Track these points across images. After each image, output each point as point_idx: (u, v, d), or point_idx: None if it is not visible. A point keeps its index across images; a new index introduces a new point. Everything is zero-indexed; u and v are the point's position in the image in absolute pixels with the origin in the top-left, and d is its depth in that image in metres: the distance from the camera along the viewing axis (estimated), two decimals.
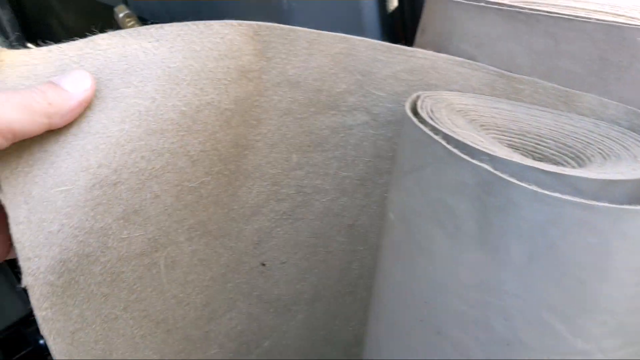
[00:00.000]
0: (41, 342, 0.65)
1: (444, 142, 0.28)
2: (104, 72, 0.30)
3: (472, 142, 0.28)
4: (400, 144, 0.33)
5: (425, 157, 0.30)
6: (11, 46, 0.78)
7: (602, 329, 0.26)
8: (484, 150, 0.27)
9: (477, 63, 0.37)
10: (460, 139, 0.28)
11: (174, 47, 0.31)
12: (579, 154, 0.32)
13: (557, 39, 0.34)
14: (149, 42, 0.30)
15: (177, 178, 0.33)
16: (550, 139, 0.33)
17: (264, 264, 0.44)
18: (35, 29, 1.23)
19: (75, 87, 0.29)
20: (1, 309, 1.07)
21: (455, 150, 0.27)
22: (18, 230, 0.28)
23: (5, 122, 0.26)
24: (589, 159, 0.31)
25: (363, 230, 0.45)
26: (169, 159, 0.32)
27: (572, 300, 0.26)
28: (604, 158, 0.30)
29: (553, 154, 0.33)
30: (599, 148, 0.32)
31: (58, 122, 0.29)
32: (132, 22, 0.73)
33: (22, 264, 0.28)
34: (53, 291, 0.30)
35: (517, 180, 0.25)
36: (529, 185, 0.25)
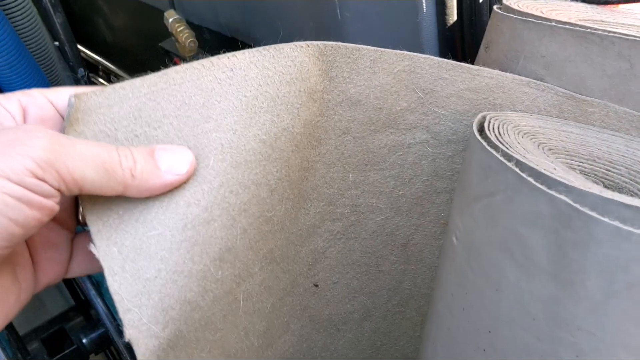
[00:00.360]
0: (84, 340, 0.66)
1: (517, 170, 0.27)
2: (182, 108, 0.29)
3: (546, 170, 0.27)
4: (467, 167, 0.33)
5: (496, 184, 0.29)
6: (77, 81, 0.80)
7: None
8: (560, 180, 0.26)
9: (545, 84, 0.36)
10: (533, 166, 0.27)
11: (248, 75, 0.30)
12: None
13: (632, 62, 0.33)
14: (223, 72, 0.30)
15: (259, 209, 0.32)
16: (622, 166, 0.32)
17: (316, 285, 0.43)
18: (83, 30, 1.25)
19: (169, 168, 0.28)
20: (42, 304, 1.09)
21: (530, 179, 0.27)
22: (114, 281, 0.27)
23: (76, 176, 0.25)
24: None
25: (417, 249, 0.44)
26: (254, 190, 0.31)
27: None
28: None
29: (625, 182, 0.32)
30: None
31: (134, 194, 0.27)
32: (181, 27, 0.74)
33: (123, 316, 0.27)
34: (159, 345, 0.28)
35: (598, 214, 0.24)
36: (612, 220, 0.24)
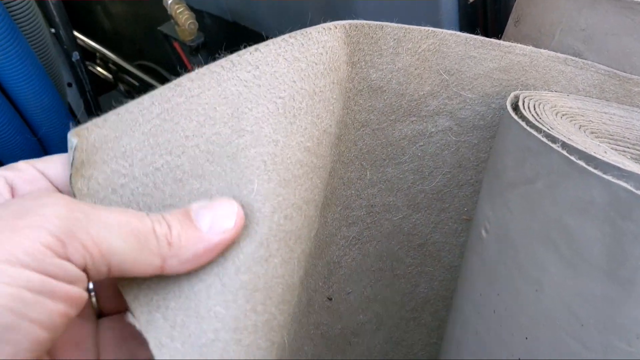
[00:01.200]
0: None
1: (564, 152, 0.24)
2: (206, 124, 0.24)
3: (596, 153, 0.23)
4: (499, 152, 0.29)
5: (536, 168, 0.25)
6: (71, 66, 0.75)
7: None
8: (616, 164, 0.22)
9: (584, 61, 0.32)
10: (582, 149, 0.24)
11: (278, 70, 0.25)
12: None
13: None
14: (248, 71, 0.25)
15: (308, 232, 0.27)
16: None
17: (330, 298, 0.39)
18: (81, 18, 1.21)
19: (212, 226, 0.22)
20: None
21: (580, 162, 0.23)
22: (162, 355, 0.22)
23: (103, 248, 0.20)
24: None
25: (434, 249, 0.40)
26: (305, 211, 0.26)
27: None
28: None
29: None
30: None
31: (175, 267, 0.22)
32: (181, 9, 0.70)
33: None
34: None
35: None
36: None
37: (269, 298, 0.24)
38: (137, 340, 0.25)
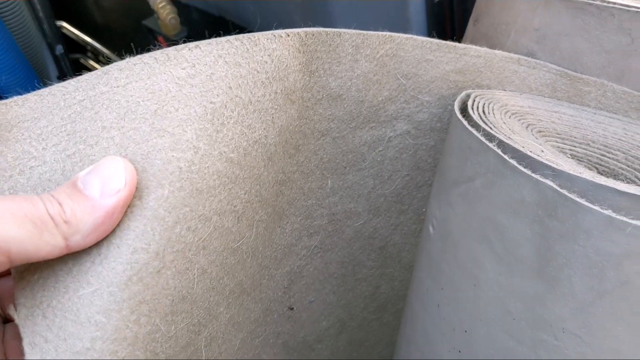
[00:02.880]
0: None
1: (499, 151, 0.24)
2: (126, 117, 0.23)
3: (532, 152, 0.24)
4: (447, 151, 0.29)
5: (475, 167, 0.26)
6: (55, 59, 0.75)
7: None
8: (547, 163, 0.23)
9: (537, 60, 0.32)
10: (519, 147, 0.24)
11: (216, 73, 0.24)
12: None
13: (632, 36, 0.30)
14: (183, 68, 0.23)
15: (222, 242, 0.26)
16: (618, 150, 0.29)
17: (292, 308, 0.39)
18: (72, 10, 1.22)
19: (103, 190, 0.21)
20: None
21: (512, 162, 0.23)
22: (33, 355, 0.21)
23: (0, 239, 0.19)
24: None
25: (395, 251, 0.41)
26: (216, 222, 0.25)
27: None
28: None
29: (621, 168, 0.29)
30: None
31: (81, 243, 0.21)
32: (162, 3, 0.70)
33: None
34: None
35: (588, 202, 0.21)
36: (603, 209, 0.21)
37: (154, 310, 0.23)
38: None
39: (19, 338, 0.24)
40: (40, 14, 0.74)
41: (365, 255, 0.40)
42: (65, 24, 1.22)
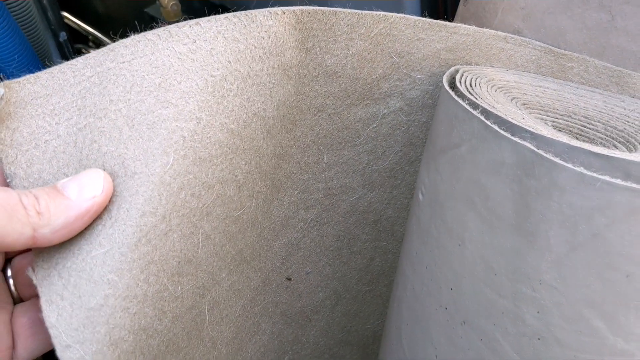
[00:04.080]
0: None
1: (482, 117, 0.26)
2: (132, 91, 0.24)
3: (513, 118, 0.26)
4: (435, 121, 0.31)
5: (461, 134, 0.27)
6: (59, 46, 0.76)
7: None
8: (526, 127, 0.24)
9: (523, 38, 0.34)
10: (500, 114, 0.26)
11: (215, 48, 0.25)
12: (629, 138, 0.29)
13: (612, 13, 0.31)
14: (184, 44, 0.24)
15: (225, 210, 0.28)
16: (598, 122, 0.31)
17: (289, 279, 0.41)
18: (73, 0, 1.23)
19: (80, 193, 0.23)
20: None
21: (494, 126, 0.25)
22: (51, 312, 0.23)
23: None
24: None
25: (388, 224, 0.43)
26: (219, 190, 0.27)
27: (616, 295, 0.23)
28: None
29: (601, 138, 0.30)
30: None
31: (48, 236, 0.22)
32: None
33: (61, 354, 0.22)
34: None
35: (562, 160, 0.23)
36: (576, 166, 0.22)
37: (162, 270, 0.24)
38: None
39: (27, 314, 0.27)
40: (45, 2, 0.75)
41: (359, 229, 0.42)
42: (67, 15, 1.24)
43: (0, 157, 0.23)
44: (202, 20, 0.25)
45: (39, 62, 0.73)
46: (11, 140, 0.24)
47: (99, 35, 1.23)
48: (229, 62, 0.25)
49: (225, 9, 0.77)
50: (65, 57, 0.78)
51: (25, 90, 0.24)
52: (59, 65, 0.24)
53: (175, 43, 0.24)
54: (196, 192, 0.25)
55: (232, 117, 0.26)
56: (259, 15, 0.26)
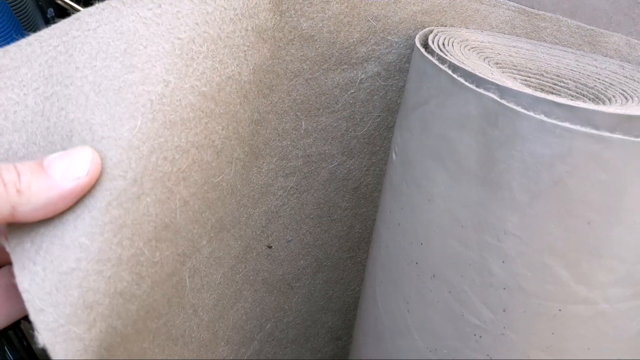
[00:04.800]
0: None
1: (449, 71, 0.26)
2: (98, 57, 0.24)
3: (480, 72, 0.26)
4: (408, 80, 0.31)
5: (430, 89, 0.28)
6: (47, 21, 0.76)
7: (609, 276, 0.24)
8: (491, 80, 0.25)
9: None
10: (468, 69, 0.26)
11: (181, 11, 0.25)
12: (599, 94, 0.29)
13: None
14: (149, 9, 0.24)
15: (203, 176, 0.28)
16: (570, 80, 0.31)
17: (270, 247, 0.41)
18: None
19: (64, 173, 0.22)
20: None
21: (460, 79, 0.25)
22: (24, 277, 0.23)
23: None
24: (609, 100, 0.28)
25: (367, 191, 0.43)
26: (195, 155, 0.26)
27: (578, 242, 0.24)
28: (626, 99, 0.28)
29: (571, 94, 0.31)
30: (622, 89, 0.29)
31: (28, 215, 0.22)
32: None
33: (34, 318, 0.22)
34: (84, 348, 0.23)
35: (523, 109, 0.23)
36: (537, 114, 0.23)
37: (136, 234, 0.24)
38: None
39: (1, 279, 0.27)
40: None
41: (339, 196, 0.42)
42: None
43: None
44: None
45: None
46: None
47: (82, 9, 1.23)
48: (197, 24, 0.25)
49: None
50: None
51: None
52: (27, 37, 0.24)
53: (140, 8, 0.24)
54: (169, 155, 0.25)
55: (204, 80, 0.26)
56: None
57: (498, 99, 0.24)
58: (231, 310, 0.41)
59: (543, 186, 0.23)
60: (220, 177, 0.30)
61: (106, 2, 0.24)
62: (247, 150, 0.33)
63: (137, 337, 0.27)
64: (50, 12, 0.75)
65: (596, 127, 0.23)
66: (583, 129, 0.22)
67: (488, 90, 0.24)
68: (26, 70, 0.24)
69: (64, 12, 1.21)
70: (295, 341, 0.49)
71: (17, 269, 0.23)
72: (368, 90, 0.37)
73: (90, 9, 0.24)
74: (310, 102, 0.36)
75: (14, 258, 0.23)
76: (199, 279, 0.33)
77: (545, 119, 0.22)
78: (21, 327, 0.38)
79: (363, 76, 0.36)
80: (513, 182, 0.24)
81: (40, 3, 0.75)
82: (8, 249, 0.23)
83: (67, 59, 0.24)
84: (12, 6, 0.72)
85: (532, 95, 0.23)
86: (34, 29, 0.75)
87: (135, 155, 0.24)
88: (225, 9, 0.26)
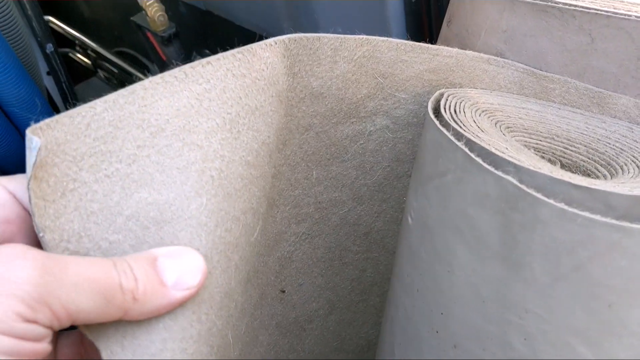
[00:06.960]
0: None
1: (466, 149, 0.27)
2: (159, 136, 0.24)
3: (497, 149, 0.26)
4: (422, 147, 0.32)
5: (446, 163, 0.28)
6: (46, 57, 0.75)
7: (627, 353, 0.25)
8: (509, 159, 0.25)
9: (505, 60, 0.35)
10: (484, 145, 0.27)
11: (227, 86, 0.26)
12: (610, 161, 0.30)
13: (592, 36, 0.32)
14: (199, 84, 0.25)
15: (246, 239, 0.29)
16: (580, 144, 0.32)
17: (283, 291, 0.42)
18: (60, 5, 1.22)
19: (177, 281, 0.23)
20: None
21: (478, 159, 0.26)
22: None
23: (71, 310, 0.20)
24: (621, 167, 0.29)
25: (379, 237, 0.44)
26: (243, 221, 0.27)
27: (598, 323, 0.24)
28: (639, 167, 0.29)
29: (583, 160, 0.31)
30: (633, 156, 0.30)
31: (134, 317, 0.22)
32: (150, 1, 0.72)
33: None
34: None
35: (545, 195, 0.24)
36: (557, 202, 0.23)
37: (210, 307, 0.25)
38: (94, 355, 0.26)
39: (73, 345, 0.27)
40: (29, 12, 0.75)
41: (350, 240, 0.43)
42: (53, 19, 1.23)
43: (34, 211, 0.22)
44: (212, 59, 0.26)
45: (26, 74, 0.73)
46: (39, 190, 0.23)
47: (86, 39, 1.22)
48: (240, 97, 0.26)
49: (211, 14, 0.78)
50: (53, 68, 0.78)
51: (47, 136, 0.23)
52: (78, 108, 0.23)
53: (191, 83, 0.25)
54: (228, 226, 0.26)
55: (248, 150, 0.27)
56: (257, 49, 0.27)
57: (517, 183, 0.24)
58: (249, 356, 0.41)
59: (565, 270, 0.24)
60: (254, 236, 0.31)
61: (159, 76, 0.25)
62: (266, 203, 0.34)
63: None
64: (50, 47, 0.75)
65: (614, 211, 0.23)
66: (603, 218, 0.22)
67: (507, 173, 0.25)
68: (79, 145, 0.23)
69: (61, 43, 1.20)
70: None
71: (105, 356, 0.23)
72: (377, 142, 0.38)
73: (144, 82, 0.24)
74: (321, 153, 0.37)
75: (99, 345, 0.23)
76: (233, 333, 0.34)
77: (565, 207, 0.23)
78: None
79: (372, 128, 0.37)
80: (534, 264, 0.25)
81: (39, 39, 0.75)
82: (90, 337, 0.23)
83: (125, 135, 0.24)
84: (9, 41, 0.72)
85: (550, 177, 0.24)
86: (32, 64, 0.75)
87: (204, 232, 0.25)
88: (258, 80, 0.27)
